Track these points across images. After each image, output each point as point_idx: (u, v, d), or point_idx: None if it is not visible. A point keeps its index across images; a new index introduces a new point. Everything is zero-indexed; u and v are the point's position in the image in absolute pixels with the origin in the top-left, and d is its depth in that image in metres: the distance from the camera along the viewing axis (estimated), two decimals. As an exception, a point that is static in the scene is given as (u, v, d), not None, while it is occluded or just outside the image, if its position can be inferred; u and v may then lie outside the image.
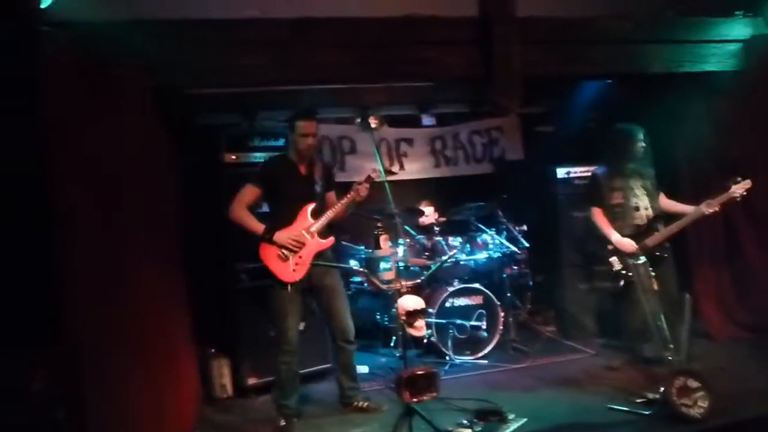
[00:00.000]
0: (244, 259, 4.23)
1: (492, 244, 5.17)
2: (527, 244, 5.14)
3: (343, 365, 3.75)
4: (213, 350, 4.39)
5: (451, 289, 4.88)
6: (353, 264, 4.89)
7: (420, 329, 4.50)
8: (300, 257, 3.50)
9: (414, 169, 5.96)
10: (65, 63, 2.15)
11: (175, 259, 3.75)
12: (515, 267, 5.22)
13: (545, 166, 5.39)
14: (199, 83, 3.73)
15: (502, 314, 4.89)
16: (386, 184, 3.55)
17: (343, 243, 5.05)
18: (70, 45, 2.21)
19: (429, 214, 5.32)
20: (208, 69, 3.57)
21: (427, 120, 6.07)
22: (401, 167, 5.85)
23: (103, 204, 2.44)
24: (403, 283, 3.10)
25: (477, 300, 4.88)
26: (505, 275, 5.12)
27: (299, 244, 3.49)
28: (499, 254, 5.11)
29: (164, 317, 3.33)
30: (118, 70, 2.82)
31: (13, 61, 1.83)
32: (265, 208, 3.76)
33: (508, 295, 5.10)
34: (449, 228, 5.37)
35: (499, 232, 5.20)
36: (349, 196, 3.59)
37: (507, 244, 5.11)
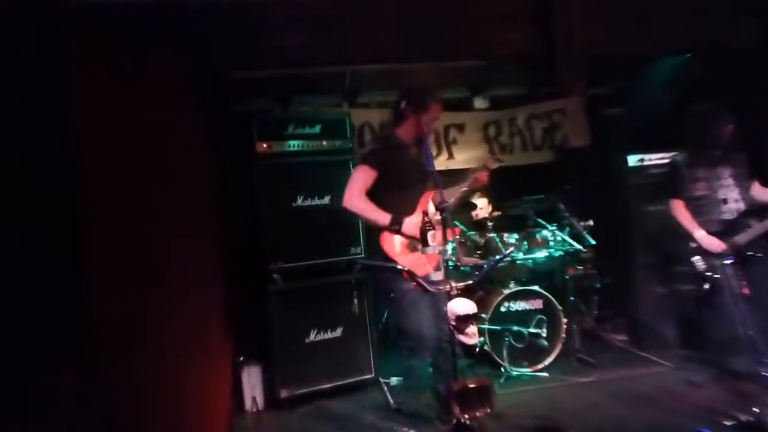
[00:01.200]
0: (279, 257, 4.36)
1: (553, 241, 5.14)
2: (593, 242, 5.09)
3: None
4: (242, 358, 4.47)
5: (506, 291, 4.87)
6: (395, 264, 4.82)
7: (472, 336, 4.09)
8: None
9: (465, 158, 5.99)
10: (93, 48, 2.20)
11: (210, 258, 3.84)
12: (580, 267, 5.23)
13: (614, 154, 5.39)
14: (236, 66, 3.83)
15: (565, 321, 4.89)
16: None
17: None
18: (98, 29, 2.24)
19: (482, 208, 5.31)
20: (245, 51, 3.64)
21: (479, 103, 6.13)
22: (450, 156, 5.89)
23: (131, 200, 2.51)
24: (453, 284, 3.07)
25: (536, 304, 4.87)
26: (568, 276, 5.13)
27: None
28: (561, 253, 5.08)
29: (197, 321, 3.40)
30: (149, 55, 2.89)
31: (38, 45, 1.88)
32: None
33: (572, 298, 5.11)
34: (505, 223, 5.37)
35: (561, 228, 5.18)
36: (468, 183, 3.65)
37: (570, 241, 5.08)
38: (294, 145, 4.56)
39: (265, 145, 4.48)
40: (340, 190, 3.54)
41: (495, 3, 3.94)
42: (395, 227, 3.42)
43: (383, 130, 5.58)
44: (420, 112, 3.56)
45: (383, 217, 3.40)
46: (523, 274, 5.16)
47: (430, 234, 3.17)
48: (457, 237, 4.72)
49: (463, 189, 3.63)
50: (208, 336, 3.67)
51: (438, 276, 3.15)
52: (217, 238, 4.03)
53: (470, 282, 3.05)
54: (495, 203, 5.43)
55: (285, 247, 4.34)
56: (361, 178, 3.53)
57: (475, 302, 4.55)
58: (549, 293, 4.91)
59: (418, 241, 3.31)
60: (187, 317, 3.21)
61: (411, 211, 3.53)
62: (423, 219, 3.03)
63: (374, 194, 3.53)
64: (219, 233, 4.10)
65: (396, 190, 3.52)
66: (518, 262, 5.10)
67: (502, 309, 4.81)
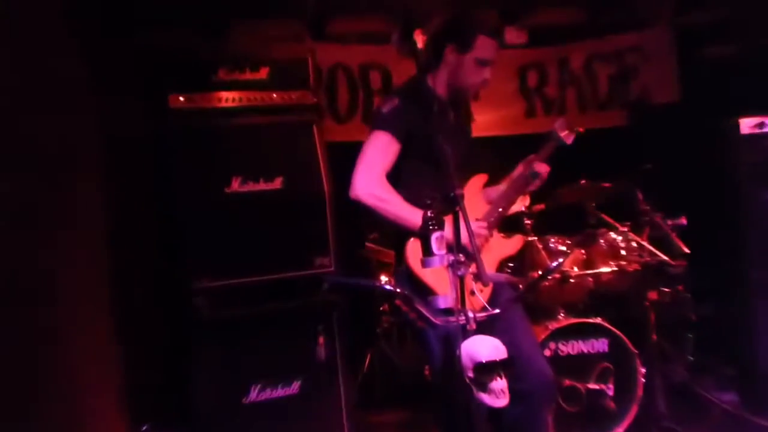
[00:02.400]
0: (204, 272, 4.37)
1: (625, 249, 5.22)
2: (687, 251, 5.09)
3: None
4: (146, 428, 4.47)
5: (554, 326, 4.92)
6: (384, 281, 4.78)
7: (500, 395, 4.21)
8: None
9: (491, 120, 6.14)
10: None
11: (91, 275, 3.89)
12: (666, 289, 5.23)
13: (719, 116, 5.42)
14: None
15: (643, 371, 4.95)
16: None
17: (368, 245, 5.29)
18: None
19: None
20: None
21: (513, 36, 6.20)
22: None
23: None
24: (471, 314, 3.13)
25: (599, 345, 4.96)
26: (648, 303, 5.14)
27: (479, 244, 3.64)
28: (637, 267, 5.13)
29: (68, 368, 3.39)
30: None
31: None
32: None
33: (655, 337, 5.14)
34: (551, 222, 5.44)
35: (638, 229, 5.23)
36: (524, 175, 3.90)
37: (652, 249, 5.13)
38: (227, 98, 4.58)
39: (182, 99, 4.50)
40: (299, 169, 3.80)
41: None
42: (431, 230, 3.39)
43: (368, 75, 5.84)
44: (462, 49, 3.75)
45: (414, 216, 3.44)
46: (580, 299, 5.23)
47: (434, 237, 3.14)
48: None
49: (517, 186, 3.87)
50: (86, 395, 3.67)
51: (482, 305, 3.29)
52: (103, 244, 4.06)
53: (497, 311, 3.12)
54: (535, 192, 5.22)
55: (213, 256, 4.36)
56: (380, 153, 3.67)
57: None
58: (619, 329, 4.97)
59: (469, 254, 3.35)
60: (55, 363, 3.23)
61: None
62: (424, 214, 3.06)
63: (395, 178, 3.69)
64: (108, 236, 4.13)
65: (429, 173, 3.66)
66: (572, 280, 5.15)
67: (547, 352, 4.87)
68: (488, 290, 3.60)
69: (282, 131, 4.68)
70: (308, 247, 4.75)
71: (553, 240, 5.29)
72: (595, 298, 5.25)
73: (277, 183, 4.69)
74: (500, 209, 3.89)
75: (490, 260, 3.82)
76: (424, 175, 3.70)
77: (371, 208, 3.64)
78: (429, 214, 3.02)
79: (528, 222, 5.26)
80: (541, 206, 5.37)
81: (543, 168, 3.91)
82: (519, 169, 4.01)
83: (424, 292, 3.49)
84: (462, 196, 3.01)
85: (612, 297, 5.29)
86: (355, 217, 4.26)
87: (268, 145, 4.63)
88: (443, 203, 3.10)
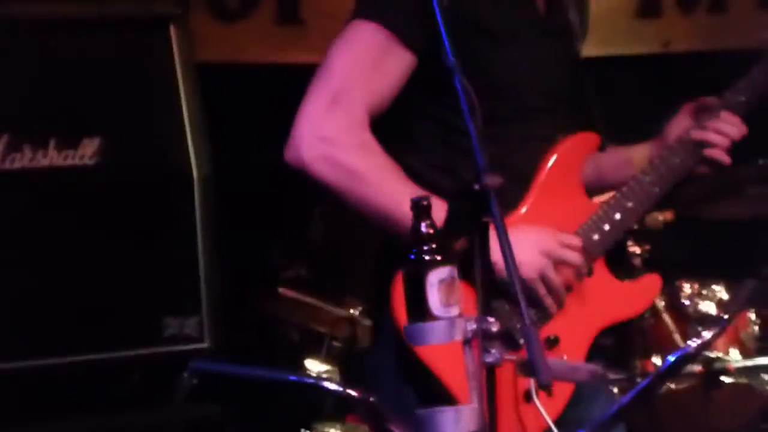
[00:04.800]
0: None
1: None
2: None
3: None
4: None
5: None
6: (322, 374, 4.42)
7: None
8: (565, 334, 2.82)
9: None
10: None
11: None
12: None
13: None
14: None
15: None
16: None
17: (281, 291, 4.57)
18: None
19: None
20: None
21: None
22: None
23: None
24: None
25: None
26: None
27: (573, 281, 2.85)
28: None
29: None
30: None
31: None
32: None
33: None
34: (685, 249, 4.92)
35: None
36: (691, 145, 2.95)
37: None
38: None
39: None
40: (139, 124, 3.44)
41: None
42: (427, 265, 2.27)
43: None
44: None
45: (436, 207, 2.28)
46: (744, 421, 4.43)
47: (434, 278, 2.09)
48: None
49: (672, 163, 2.95)
50: None
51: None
52: None
53: None
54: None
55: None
56: (365, 69, 2.76)
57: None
58: None
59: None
60: None
61: (522, 186, 2.83)
62: (420, 231, 2.09)
63: (401, 139, 2.89)
64: None
65: (491, 133, 2.51)
66: (728, 380, 4.30)
67: None
68: (563, 395, 2.72)
69: (100, 42, 3.55)
70: (156, 295, 3.53)
71: (690, 289, 4.47)
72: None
73: (89, 152, 3.50)
74: (625, 212, 2.91)
75: (581, 328, 2.83)
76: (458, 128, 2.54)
77: (329, 187, 2.66)
78: (425, 228, 2.09)
79: (635, 250, 4.35)
80: (666, 214, 4.37)
81: (731, 129, 2.82)
82: (681, 129, 2.92)
83: (429, 393, 2.59)
84: (499, 189, 2.03)
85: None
86: (258, 225, 4.27)
87: (71, 81, 3.51)
88: (459, 204, 2.33)
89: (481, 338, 1.97)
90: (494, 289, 2.24)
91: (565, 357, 2.67)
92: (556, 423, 2.58)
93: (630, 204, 2.84)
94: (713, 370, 4.14)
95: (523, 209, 2.76)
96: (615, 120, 3.15)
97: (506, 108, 2.75)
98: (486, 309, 2.04)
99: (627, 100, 4.61)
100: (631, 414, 3.20)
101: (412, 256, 2.05)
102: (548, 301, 2.62)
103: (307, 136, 2.66)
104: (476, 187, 2.01)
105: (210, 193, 3.43)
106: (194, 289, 3.42)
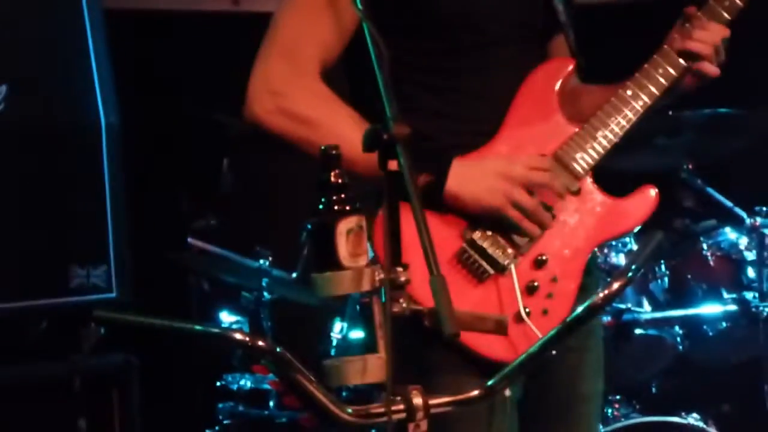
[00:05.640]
0: None
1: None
2: None
3: None
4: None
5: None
6: (231, 322, 4.55)
7: None
8: (548, 262, 2.71)
9: None
10: None
11: None
12: None
13: None
14: None
15: None
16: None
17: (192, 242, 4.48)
18: None
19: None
20: None
21: None
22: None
23: None
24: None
25: None
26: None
27: (551, 203, 2.74)
28: None
29: None
30: None
31: None
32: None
33: None
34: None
35: None
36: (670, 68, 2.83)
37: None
38: None
39: None
40: (45, 66, 3.48)
41: None
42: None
43: None
44: None
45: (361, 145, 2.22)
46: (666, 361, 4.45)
47: (344, 228, 2.03)
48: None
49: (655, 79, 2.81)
50: None
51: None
52: None
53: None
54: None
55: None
56: (310, 22, 2.74)
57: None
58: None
59: (517, 235, 2.67)
60: None
61: (488, 129, 2.72)
62: (329, 180, 1.97)
63: (356, 91, 2.81)
64: None
65: (437, 57, 2.78)
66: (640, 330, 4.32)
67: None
68: (558, 317, 2.55)
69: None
70: (62, 244, 3.52)
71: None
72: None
73: (-9, 98, 4.00)
74: (608, 128, 2.80)
75: (573, 246, 2.77)
76: (426, 71, 2.70)
77: (286, 138, 2.60)
78: (334, 178, 1.96)
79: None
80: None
81: (709, 35, 2.65)
82: (670, 43, 2.76)
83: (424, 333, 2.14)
84: (405, 138, 1.88)
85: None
86: (168, 175, 4.17)
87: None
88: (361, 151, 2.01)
89: (389, 288, 1.84)
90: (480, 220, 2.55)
91: (556, 275, 2.62)
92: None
93: (613, 120, 2.78)
94: (623, 321, 4.23)
95: (500, 138, 2.75)
96: (607, 68, 2.88)
97: (476, 38, 2.68)
98: (394, 258, 1.92)
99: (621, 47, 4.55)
100: (539, 364, 3.63)
101: (321, 206, 1.98)
102: (526, 224, 2.60)
103: (258, 92, 2.65)
104: (384, 136, 1.91)
105: (118, 143, 3.45)
106: (102, 239, 3.45)
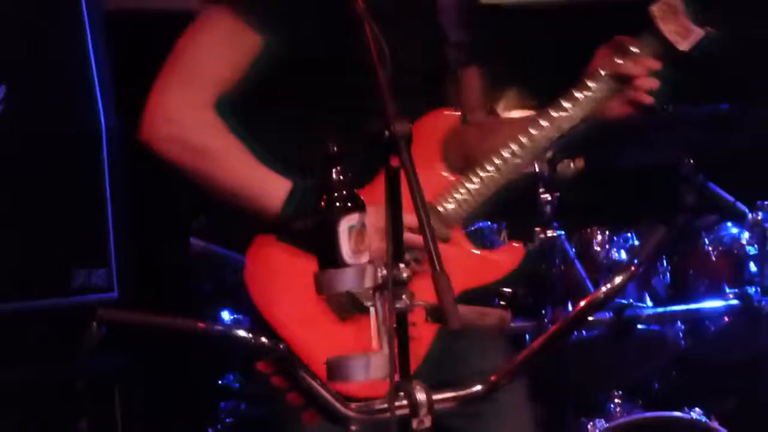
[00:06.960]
0: None
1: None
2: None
3: None
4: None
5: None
6: (233, 324, 4.11)
7: None
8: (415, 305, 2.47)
9: None
10: None
11: None
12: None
13: None
14: None
15: None
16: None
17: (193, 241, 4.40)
18: None
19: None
20: None
21: None
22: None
23: None
24: (422, 394, 1.59)
25: None
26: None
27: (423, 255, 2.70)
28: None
29: None
30: None
31: None
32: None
33: None
34: (600, 196, 4.88)
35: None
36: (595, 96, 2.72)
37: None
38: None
39: None
40: (44, 69, 3.48)
41: None
42: (311, 217, 2.35)
43: None
44: None
45: (269, 183, 2.58)
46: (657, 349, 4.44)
47: (345, 225, 2.09)
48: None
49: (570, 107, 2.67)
50: None
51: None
52: None
53: (478, 389, 2.10)
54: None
55: None
56: (210, 54, 2.81)
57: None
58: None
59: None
60: None
61: (367, 172, 2.57)
62: (331, 178, 2.09)
63: (247, 127, 2.78)
64: None
65: (335, 94, 2.77)
66: (641, 326, 4.26)
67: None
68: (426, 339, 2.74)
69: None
70: (64, 245, 3.52)
71: (601, 236, 4.42)
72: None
73: (-10, 102, 3.95)
74: (483, 179, 2.82)
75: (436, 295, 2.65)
76: (321, 127, 2.60)
77: (176, 165, 2.63)
78: (336, 176, 2.07)
79: (546, 197, 4.14)
80: (578, 162, 4.14)
81: (644, 64, 2.60)
82: (593, 67, 2.70)
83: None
84: (407, 137, 1.95)
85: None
86: (167, 175, 2.90)
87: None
88: (365, 153, 2.04)
89: (391, 285, 1.89)
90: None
91: (415, 320, 2.73)
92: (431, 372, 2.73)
93: (490, 169, 2.91)
94: (625, 317, 4.17)
95: (376, 187, 2.84)
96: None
97: (367, 83, 2.77)
98: (396, 255, 1.97)
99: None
100: (541, 361, 3.68)
101: (323, 204, 2.05)
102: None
103: (153, 118, 2.68)
104: (386, 134, 1.96)
105: (118, 143, 3.44)
106: (103, 239, 3.44)
